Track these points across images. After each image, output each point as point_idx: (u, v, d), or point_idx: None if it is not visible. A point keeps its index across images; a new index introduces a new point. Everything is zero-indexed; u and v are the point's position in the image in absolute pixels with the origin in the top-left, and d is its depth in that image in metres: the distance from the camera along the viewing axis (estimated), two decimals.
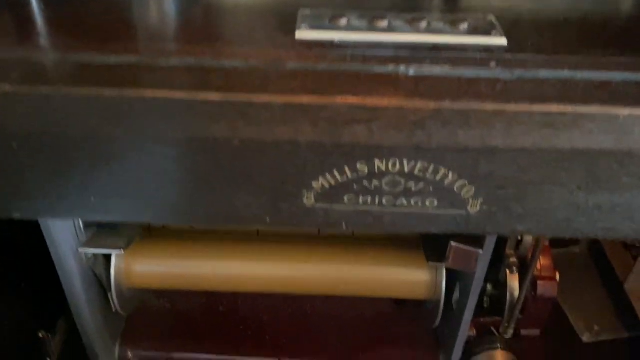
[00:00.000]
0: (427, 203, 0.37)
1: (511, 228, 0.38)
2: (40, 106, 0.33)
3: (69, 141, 0.35)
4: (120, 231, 0.59)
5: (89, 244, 0.55)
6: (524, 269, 0.58)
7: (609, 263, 0.73)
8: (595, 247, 0.75)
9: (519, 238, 0.58)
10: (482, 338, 0.63)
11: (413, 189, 0.36)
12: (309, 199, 0.37)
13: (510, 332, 0.63)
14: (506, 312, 0.59)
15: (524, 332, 0.65)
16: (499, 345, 0.60)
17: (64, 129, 0.34)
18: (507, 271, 0.58)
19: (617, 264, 0.73)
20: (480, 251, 0.52)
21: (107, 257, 0.60)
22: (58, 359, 0.66)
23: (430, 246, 0.60)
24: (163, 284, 0.63)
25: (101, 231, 0.58)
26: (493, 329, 0.63)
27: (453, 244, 0.52)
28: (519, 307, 0.58)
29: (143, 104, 0.33)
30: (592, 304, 0.71)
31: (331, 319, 0.69)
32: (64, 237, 0.52)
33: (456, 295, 0.61)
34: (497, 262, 0.59)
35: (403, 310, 0.71)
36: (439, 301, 0.61)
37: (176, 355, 0.68)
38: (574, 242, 0.76)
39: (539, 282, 0.58)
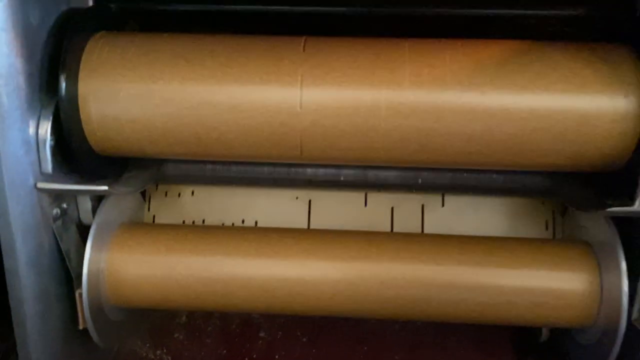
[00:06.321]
0: None
1: None
2: None
3: None
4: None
5: (54, 177, 0.34)
6: None
7: None
8: None
9: None
10: None
11: None
12: None
13: None
14: None
15: None
16: None
17: None
18: None
19: None
20: None
21: (82, 230, 0.38)
22: None
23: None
24: (165, 292, 0.39)
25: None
26: None
27: None
28: None
29: None
30: None
31: None
32: (17, 164, 0.32)
33: (637, 308, 0.38)
34: None
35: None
36: (615, 325, 0.36)
37: None
38: None
39: None
